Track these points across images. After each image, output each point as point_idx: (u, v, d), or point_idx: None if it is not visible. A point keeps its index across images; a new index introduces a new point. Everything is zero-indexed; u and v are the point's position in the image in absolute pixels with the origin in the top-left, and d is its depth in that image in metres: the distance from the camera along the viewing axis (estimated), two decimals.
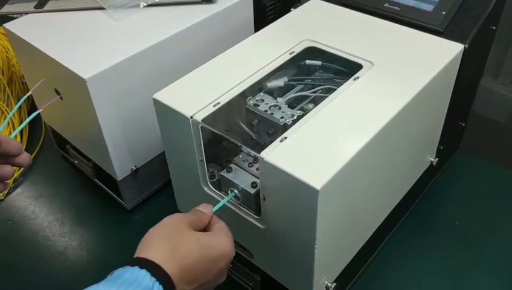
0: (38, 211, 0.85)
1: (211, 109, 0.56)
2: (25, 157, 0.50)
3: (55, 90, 0.75)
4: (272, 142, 0.50)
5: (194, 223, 0.47)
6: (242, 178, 0.57)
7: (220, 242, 0.47)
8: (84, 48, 0.70)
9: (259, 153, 0.49)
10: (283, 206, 0.51)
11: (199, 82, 0.60)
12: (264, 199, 0.52)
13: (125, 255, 0.80)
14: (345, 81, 0.59)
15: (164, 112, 0.58)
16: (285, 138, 0.51)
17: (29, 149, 0.96)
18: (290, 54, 0.64)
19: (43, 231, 0.82)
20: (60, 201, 0.87)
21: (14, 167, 0.50)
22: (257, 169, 0.57)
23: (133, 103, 0.72)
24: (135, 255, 0.43)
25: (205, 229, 0.50)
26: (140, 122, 0.75)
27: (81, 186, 0.90)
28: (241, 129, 0.61)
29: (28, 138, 0.98)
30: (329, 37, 0.66)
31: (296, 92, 0.64)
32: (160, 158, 0.81)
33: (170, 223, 0.47)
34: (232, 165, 0.58)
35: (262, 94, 0.60)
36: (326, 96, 0.57)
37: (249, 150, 0.52)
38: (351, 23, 0.70)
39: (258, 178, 0.56)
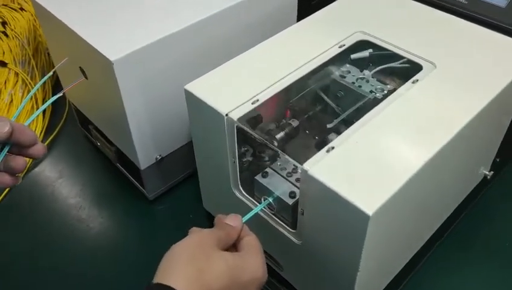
0: (57, 193, 0.82)
1: (249, 107, 0.50)
2: (39, 148, 0.45)
3: (80, 68, 0.69)
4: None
5: (222, 241, 0.42)
6: (279, 185, 0.51)
7: (252, 265, 0.41)
8: (114, 27, 0.64)
9: (301, 163, 0.43)
10: (324, 225, 0.45)
11: (236, 74, 0.54)
12: (303, 214, 0.46)
13: (144, 246, 0.77)
14: (400, 83, 0.52)
15: (196, 106, 0.52)
16: (333, 147, 0.45)
17: (51, 125, 0.92)
18: (340, 47, 0.57)
19: (61, 215, 0.78)
20: (80, 183, 0.83)
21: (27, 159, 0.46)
22: (297, 180, 0.51)
23: (162, 89, 0.66)
24: (156, 280, 0.37)
25: (234, 244, 0.44)
26: (167, 110, 0.69)
27: (103, 170, 0.85)
28: (281, 133, 0.54)
29: (50, 114, 0.94)
30: (384, 30, 0.59)
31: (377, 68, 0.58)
32: (186, 148, 0.76)
33: (195, 241, 0.41)
34: (268, 170, 0.52)
35: (348, 66, 0.58)
36: (380, 99, 0.50)
37: (290, 160, 0.46)
38: (409, 15, 0.62)
39: (297, 187, 0.50)
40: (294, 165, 0.52)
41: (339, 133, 0.49)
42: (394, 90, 0.52)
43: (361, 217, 0.39)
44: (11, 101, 0.89)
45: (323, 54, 0.56)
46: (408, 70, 0.55)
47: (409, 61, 0.55)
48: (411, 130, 0.46)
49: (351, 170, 0.43)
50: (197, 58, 0.67)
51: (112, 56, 0.59)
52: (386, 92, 0.54)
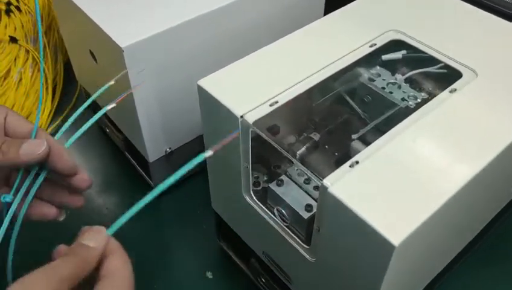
0: None
1: (267, 109, 0.45)
2: (84, 179, 0.37)
3: (90, 52, 0.65)
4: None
5: (74, 276, 0.30)
6: (294, 195, 0.47)
7: None
8: (127, 12, 0.60)
9: (322, 178, 0.39)
10: (342, 247, 0.41)
11: (254, 71, 0.49)
12: (319, 231, 0.42)
13: (147, 240, 0.74)
14: (434, 91, 0.47)
15: (209, 103, 0.48)
16: (357, 162, 0.40)
17: (60, 107, 0.89)
18: (371, 46, 0.52)
19: None
20: (87, 170, 0.80)
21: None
22: (315, 188, 0.46)
23: (174, 79, 0.62)
24: None
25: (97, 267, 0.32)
26: (179, 102, 0.65)
27: (111, 157, 0.82)
28: (302, 138, 0.50)
29: (60, 94, 0.91)
30: (421, 30, 0.53)
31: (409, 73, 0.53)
32: (197, 141, 0.72)
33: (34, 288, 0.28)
34: (283, 178, 0.48)
35: (378, 68, 0.53)
36: (412, 109, 0.45)
37: (309, 173, 0.41)
38: (450, 15, 0.56)
39: (314, 200, 0.46)
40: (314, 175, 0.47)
41: (365, 143, 0.45)
42: (428, 99, 0.47)
43: (385, 247, 0.35)
44: (20, 79, 0.86)
45: (351, 53, 0.51)
46: (445, 77, 0.49)
47: (447, 67, 0.50)
48: (448, 147, 0.41)
49: (376, 190, 0.38)
50: (213, 50, 0.62)
51: (123, 42, 0.55)
52: (419, 100, 0.49)
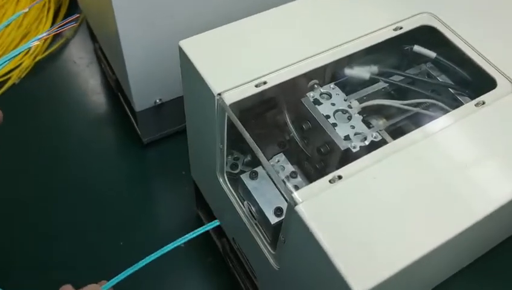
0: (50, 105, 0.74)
1: (251, 90, 0.38)
2: None
3: None
4: (323, 172, 0.32)
5: None
6: (266, 194, 0.40)
7: None
8: None
9: (292, 190, 0.32)
10: (305, 269, 0.35)
11: (248, 40, 0.41)
12: (284, 243, 0.36)
13: (124, 193, 0.69)
14: (460, 100, 0.39)
15: (188, 69, 0.41)
16: (340, 177, 0.33)
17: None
18: (395, 29, 0.43)
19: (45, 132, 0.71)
20: (76, 104, 0.75)
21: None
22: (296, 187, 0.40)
23: (166, 23, 0.54)
24: None
25: None
26: (172, 49, 0.57)
27: (104, 96, 0.76)
28: (284, 130, 0.42)
29: (63, 18, 0.84)
30: (461, 19, 0.44)
31: (379, 98, 0.42)
32: None
33: None
34: (258, 170, 0.42)
35: (332, 86, 0.40)
36: (428, 116, 0.37)
37: (276, 180, 0.34)
38: (501, 4, 0.46)
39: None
40: (293, 172, 0.41)
41: (355, 154, 0.37)
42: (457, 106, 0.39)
43: None
44: None
45: (370, 34, 0.42)
46: (475, 83, 0.41)
47: (480, 71, 0.41)
48: (455, 177, 0.34)
49: (353, 221, 0.31)
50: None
51: None
52: (366, 143, 0.37)
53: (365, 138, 0.37)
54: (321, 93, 0.39)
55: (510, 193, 0.33)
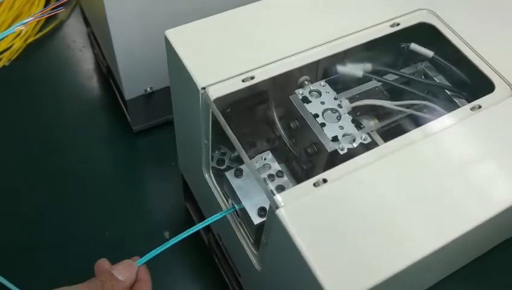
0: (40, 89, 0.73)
1: (238, 85, 0.36)
2: None
3: None
4: (309, 173, 0.31)
5: None
6: (250, 193, 0.39)
7: None
8: None
9: (274, 193, 0.31)
10: (286, 274, 0.34)
11: (236, 32, 0.39)
12: (266, 244, 0.35)
13: (112, 181, 0.68)
14: (456, 103, 0.37)
15: (174, 60, 0.39)
16: (325, 180, 0.32)
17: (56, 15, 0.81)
18: (392, 26, 0.41)
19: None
20: (67, 89, 0.74)
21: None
22: (279, 188, 0.39)
23: (157, 9, 0.53)
24: None
25: None
26: (163, 36, 0.56)
27: (96, 81, 0.75)
28: (273, 127, 0.41)
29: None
30: (463, 18, 0.42)
31: (372, 98, 0.40)
32: None
33: None
34: (243, 167, 0.40)
35: (323, 83, 0.39)
36: (421, 118, 0.36)
37: (258, 180, 0.33)
38: (504, 4, 0.44)
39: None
40: (279, 171, 0.39)
41: (343, 156, 0.36)
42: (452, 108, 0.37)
43: None
44: None
45: (365, 30, 0.40)
46: (473, 86, 0.39)
47: (478, 73, 0.39)
48: (445, 184, 0.32)
49: (336, 227, 0.30)
50: None
51: None
52: (354, 146, 0.36)
53: (354, 140, 0.35)
54: (310, 91, 0.38)
55: (493, 209, 0.31)
